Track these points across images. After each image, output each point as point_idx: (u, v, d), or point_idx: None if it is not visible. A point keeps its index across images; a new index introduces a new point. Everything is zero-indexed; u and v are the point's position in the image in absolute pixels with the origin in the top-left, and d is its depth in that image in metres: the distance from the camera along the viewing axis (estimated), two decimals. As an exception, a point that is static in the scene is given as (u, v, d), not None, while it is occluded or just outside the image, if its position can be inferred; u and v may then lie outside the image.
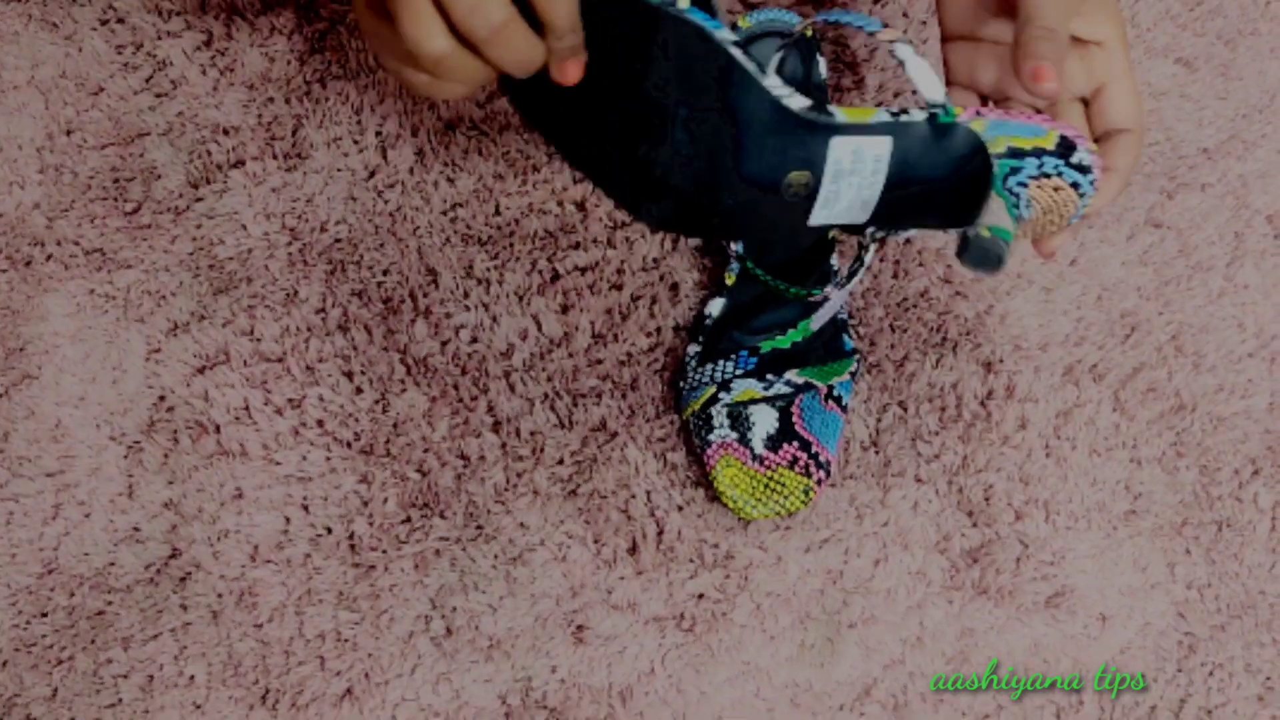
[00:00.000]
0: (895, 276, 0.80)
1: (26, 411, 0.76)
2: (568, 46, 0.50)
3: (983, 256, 0.51)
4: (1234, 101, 0.83)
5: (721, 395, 0.73)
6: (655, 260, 0.79)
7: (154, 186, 0.78)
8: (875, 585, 0.76)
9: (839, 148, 0.52)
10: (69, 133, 0.78)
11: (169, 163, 0.78)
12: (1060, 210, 0.55)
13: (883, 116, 0.52)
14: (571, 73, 0.51)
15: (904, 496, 0.77)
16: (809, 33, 0.63)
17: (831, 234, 0.76)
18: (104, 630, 0.75)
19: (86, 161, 0.78)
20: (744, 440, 0.74)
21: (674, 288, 0.79)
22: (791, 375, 0.73)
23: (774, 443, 0.74)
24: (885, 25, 0.53)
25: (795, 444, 0.74)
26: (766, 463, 0.74)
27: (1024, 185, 0.54)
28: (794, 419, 0.74)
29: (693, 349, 0.76)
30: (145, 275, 0.77)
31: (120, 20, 0.79)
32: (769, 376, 0.73)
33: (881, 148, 0.52)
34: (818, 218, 0.55)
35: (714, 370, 0.74)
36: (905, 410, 0.78)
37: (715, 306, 0.76)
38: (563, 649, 0.75)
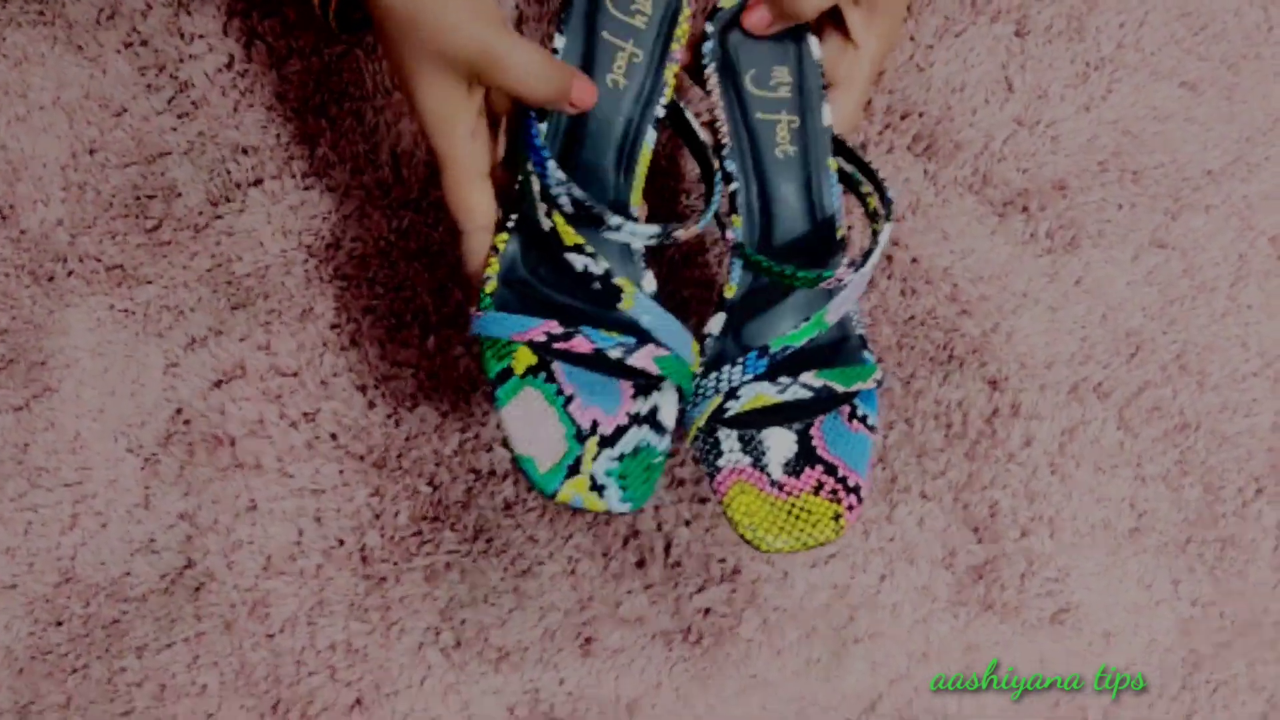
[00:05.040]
0: (903, 294, 0.80)
1: (46, 423, 0.78)
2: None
3: None
4: (1238, 124, 0.84)
5: (729, 405, 0.61)
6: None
7: (174, 204, 0.80)
8: (881, 600, 0.77)
9: None
10: (92, 152, 0.80)
11: (189, 181, 0.80)
12: None
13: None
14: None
15: (910, 512, 0.78)
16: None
17: (840, 234, 0.67)
18: (118, 639, 0.76)
19: (109, 180, 0.80)
20: (758, 465, 0.64)
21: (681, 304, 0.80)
22: (808, 377, 0.62)
23: (794, 468, 0.64)
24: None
25: (819, 468, 0.64)
26: (787, 489, 0.63)
27: None
28: (814, 443, 0.65)
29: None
30: (165, 291, 0.79)
31: (144, 43, 0.81)
32: (782, 379, 0.62)
33: None
34: None
35: (718, 379, 0.62)
36: (911, 427, 0.79)
37: (716, 324, 0.66)
38: (571, 661, 0.75)
